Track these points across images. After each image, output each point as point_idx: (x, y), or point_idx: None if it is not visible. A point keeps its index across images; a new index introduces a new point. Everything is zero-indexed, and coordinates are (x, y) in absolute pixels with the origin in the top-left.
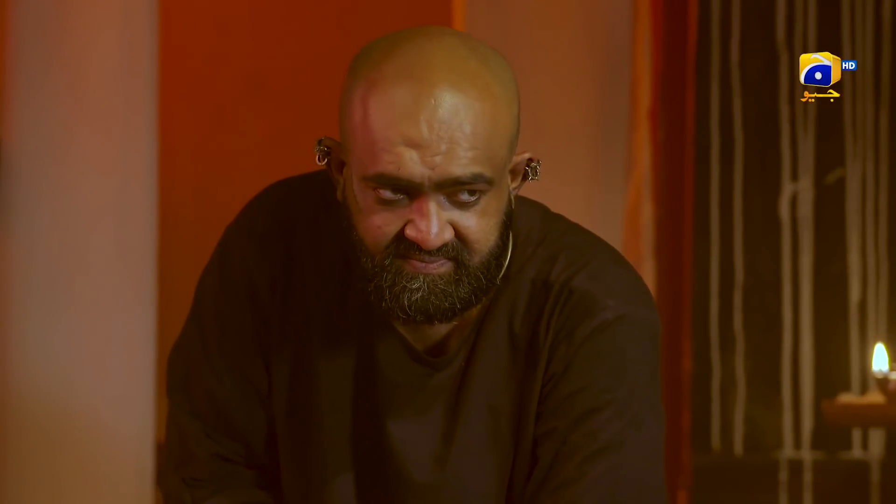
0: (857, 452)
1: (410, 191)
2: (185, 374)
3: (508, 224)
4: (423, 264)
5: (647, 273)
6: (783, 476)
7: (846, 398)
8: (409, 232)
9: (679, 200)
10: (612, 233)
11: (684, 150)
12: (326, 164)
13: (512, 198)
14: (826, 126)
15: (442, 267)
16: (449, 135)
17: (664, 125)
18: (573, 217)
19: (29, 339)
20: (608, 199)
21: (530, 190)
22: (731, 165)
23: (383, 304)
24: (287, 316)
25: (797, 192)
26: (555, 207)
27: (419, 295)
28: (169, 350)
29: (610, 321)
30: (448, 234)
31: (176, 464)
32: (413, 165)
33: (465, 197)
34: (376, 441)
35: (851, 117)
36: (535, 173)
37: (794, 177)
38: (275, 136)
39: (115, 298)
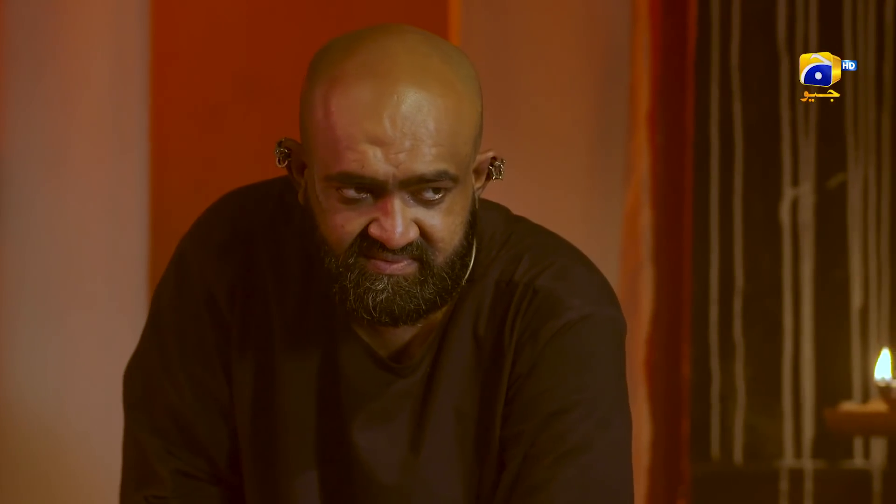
0: (858, 461)
1: (374, 189)
2: (144, 389)
3: (473, 224)
4: (387, 264)
5: (646, 279)
6: (783, 485)
7: (848, 406)
8: (374, 231)
9: (678, 205)
10: (610, 238)
11: (683, 155)
12: (287, 166)
13: (476, 198)
14: (827, 130)
15: (407, 267)
16: (413, 131)
17: (663, 129)
18: (571, 222)
19: (21, 345)
20: (606, 203)
21: (528, 194)
22: (730, 170)
23: (347, 305)
24: (248, 325)
25: (798, 197)
26: (552, 212)
27: (384, 296)
28: None
29: (575, 321)
30: (413, 233)
31: (137, 483)
32: (377, 163)
33: (429, 195)
34: (342, 449)
35: (853, 121)
36: (500, 172)
37: (795, 181)
38: (269, 140)
39: (108, 305)
